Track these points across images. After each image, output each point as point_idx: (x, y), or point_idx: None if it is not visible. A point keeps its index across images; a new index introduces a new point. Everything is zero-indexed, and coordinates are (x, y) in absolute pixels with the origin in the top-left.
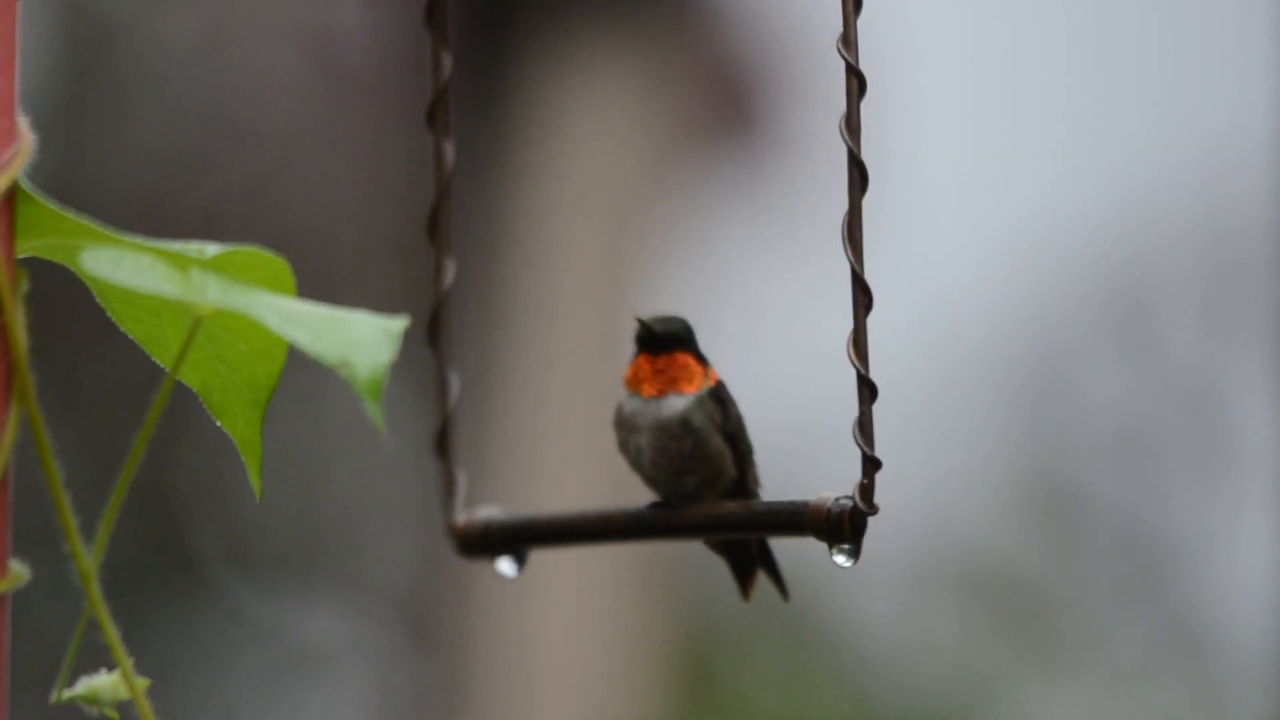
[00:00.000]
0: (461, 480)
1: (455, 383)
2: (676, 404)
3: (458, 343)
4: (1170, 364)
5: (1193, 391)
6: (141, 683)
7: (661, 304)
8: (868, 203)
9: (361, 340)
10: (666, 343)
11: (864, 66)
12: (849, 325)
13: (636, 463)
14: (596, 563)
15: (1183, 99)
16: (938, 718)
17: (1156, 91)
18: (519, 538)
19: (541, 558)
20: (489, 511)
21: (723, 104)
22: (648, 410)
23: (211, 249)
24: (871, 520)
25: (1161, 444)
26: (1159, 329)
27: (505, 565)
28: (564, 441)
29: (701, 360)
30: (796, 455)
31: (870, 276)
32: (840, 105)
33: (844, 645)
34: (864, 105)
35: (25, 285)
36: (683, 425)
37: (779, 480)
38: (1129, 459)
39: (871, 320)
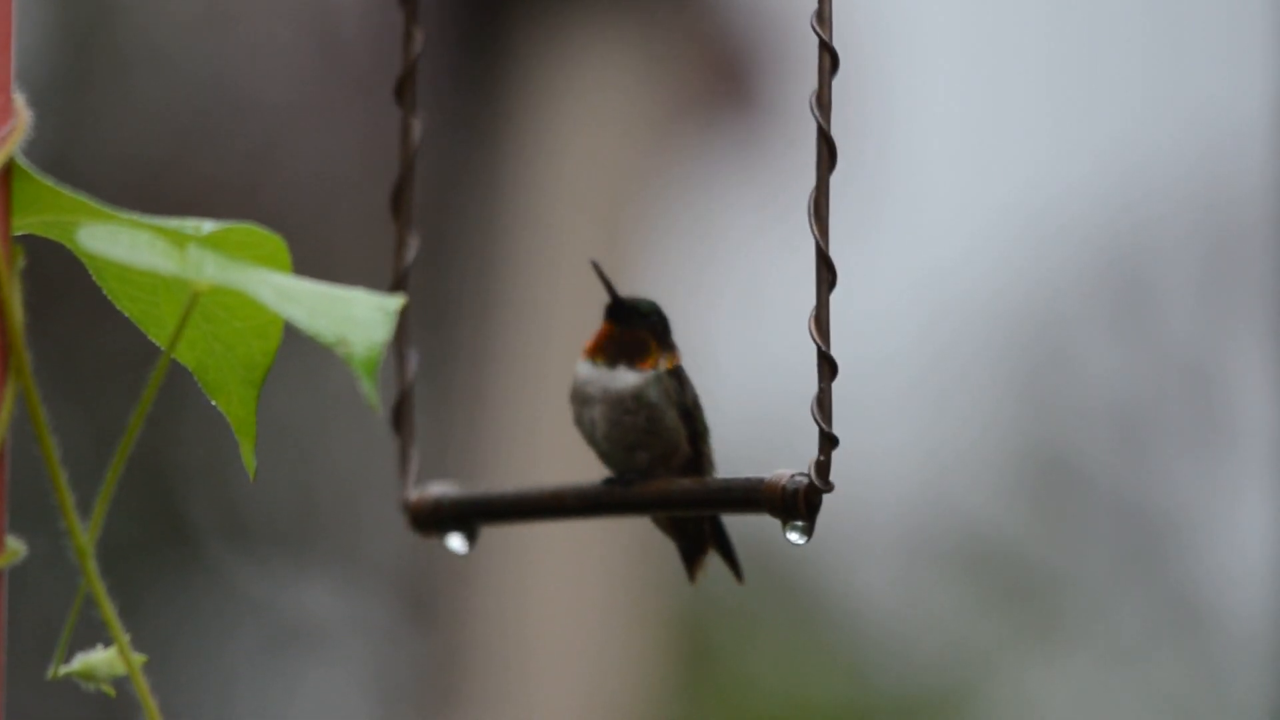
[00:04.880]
0: (415, 456)
1: (414, 359)
2: (628, 378)
3: (456, 320)
4: (1167, 337)
5: (1190, 364)
6: (138, 658)
7: (657, 281)
8: (867, 176)
9: (358, 318)
10: (630, 316)
11: (861, 42)
12: (847, 302)
13: (590, 436)
14: (594, 538)
15: (1179, 69)
16: (936, 693)
17: (1152, 62)
18: (471, 514)
19: (539, 534)
20: (441, 488)
21: (720, 82)
22: (599, 379)
23: (208, 226)
24: (870, 494)
25: (1159, 417)
26: (1156, 301)
27: (455, 541)
28: (559, 420)
29: (664, 344)
30: (793, 429)
31: (867, 250)
32: (838, 83)
33: (842, 621)
34: (861, 80)
35: (21, 262)
36: (636, 399)
37: (775, 452)
38: (1126, 432)
39: (868, 294)
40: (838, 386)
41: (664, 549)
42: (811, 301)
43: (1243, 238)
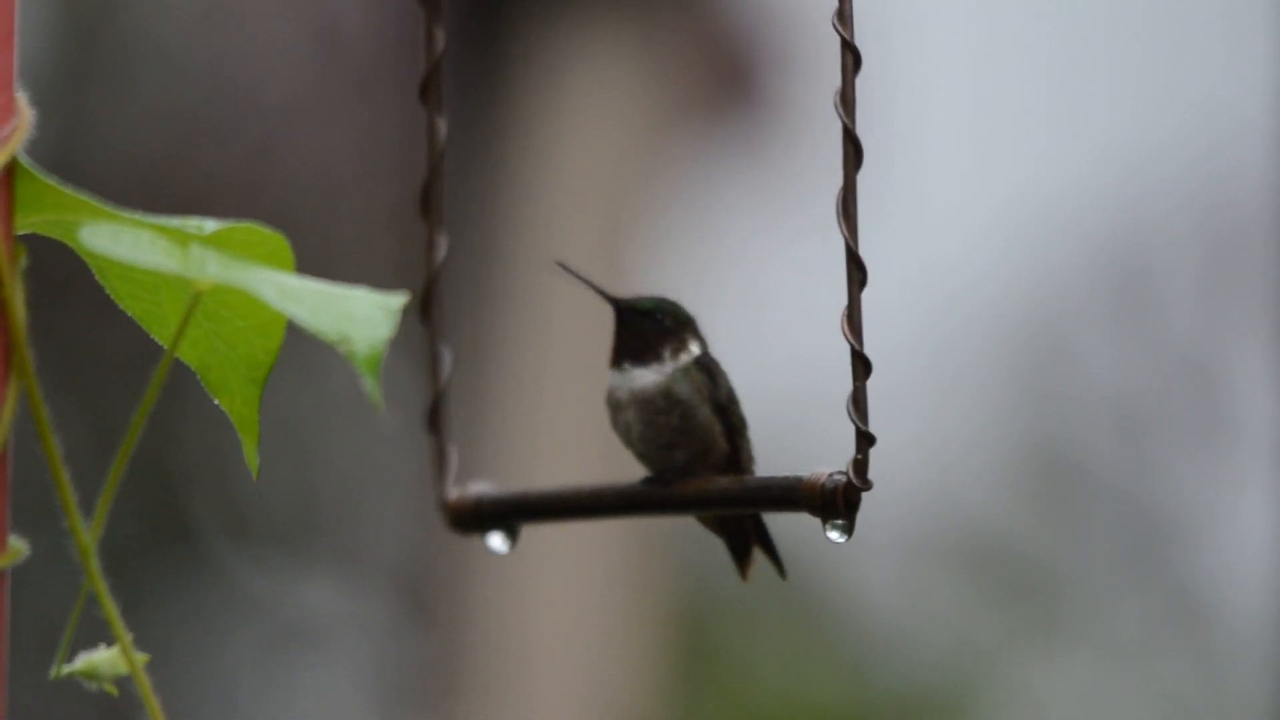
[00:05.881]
0: (453, 455)
1: (448, 358)
2: (646, 377)
3: (455, 319)
4: (1169, 334)
5: (1192, 361)
6: (140, 657)
7: (660, 279)
8: (867, 172)
9: (360, 316)
10: (628, 317)
11: (862, 38)
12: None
13: (627, 438)
14: (595, 536)
15: (1180, 68)
16: (937, 690)
17: (1153, 60)
18: (511, 513)
19: (539, 531)
20: (481, 487)
21: (722, 80)
22: (624, 382)
23: (210, 225)
24: (871, 491)
25: (1161, 414)
26: (1157, 299)
27: (496, 540)
28: (561, 418)
29: (675, 339)
30: (797, 429)
31: (868, 246)
32: (838, 80)
33: (843, 618)
34: (862, 76)
35: (24, 261)
36: (666, 397)
37: (779, 452)
38: (1128, 430)
39: (869, 290)
40: (836, 383)
41: (664, 548)
42: (812, 299)
43: (1244, 235)
